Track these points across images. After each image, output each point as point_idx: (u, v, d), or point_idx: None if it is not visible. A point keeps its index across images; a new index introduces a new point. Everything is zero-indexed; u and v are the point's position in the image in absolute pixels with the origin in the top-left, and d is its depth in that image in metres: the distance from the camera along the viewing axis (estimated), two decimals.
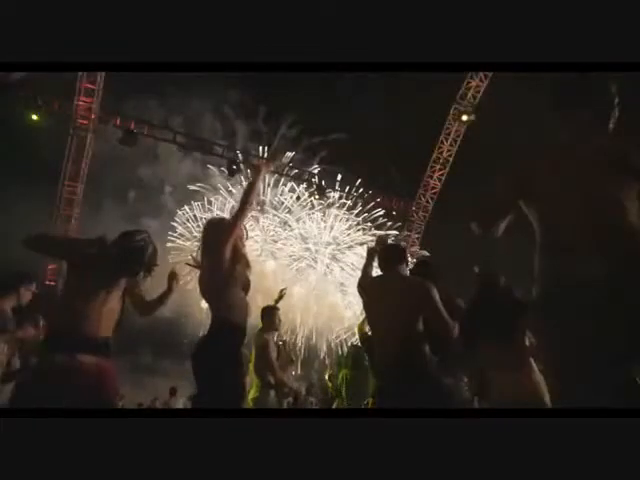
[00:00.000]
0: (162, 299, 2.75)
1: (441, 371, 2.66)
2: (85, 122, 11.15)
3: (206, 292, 2.63)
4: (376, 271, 3.13)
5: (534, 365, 2.40)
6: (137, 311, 2.63)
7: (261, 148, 13.54)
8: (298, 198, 14.67)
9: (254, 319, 3.70)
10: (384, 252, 3.05)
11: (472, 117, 12.75)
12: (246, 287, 2.70)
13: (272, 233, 14.66)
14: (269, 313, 4.49)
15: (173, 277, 2.86)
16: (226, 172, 12.26)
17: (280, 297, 4.77)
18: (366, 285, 3.01)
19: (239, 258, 2.68)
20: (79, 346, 2.18)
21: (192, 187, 13.93)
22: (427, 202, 14.19)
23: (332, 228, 15.09)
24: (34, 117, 10.47)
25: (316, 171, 13.88)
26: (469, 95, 12.74)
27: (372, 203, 14.53)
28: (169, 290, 2.80)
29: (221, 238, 2.59)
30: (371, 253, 3.20)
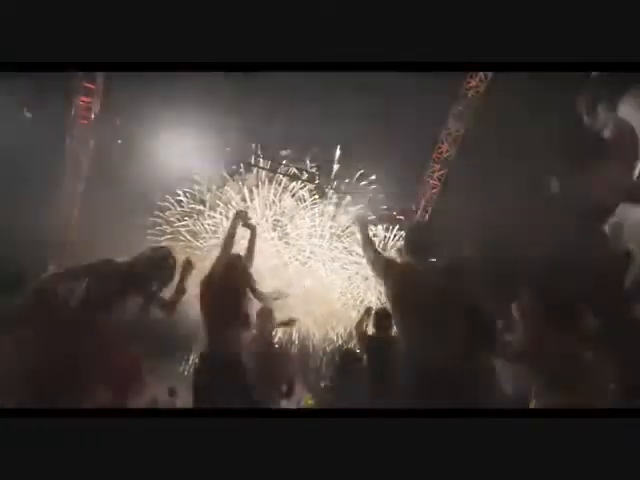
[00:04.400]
0: (179, 292, 2.83)
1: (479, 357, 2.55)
2: (85, 122, 11.14)
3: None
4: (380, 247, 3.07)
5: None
6: (163, 313, 2.72)
7: (254, 145, 13.52)
8: (293, 196, 14.60)
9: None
10: (413, 237, 2.86)
11: (472, 117, 12.75)
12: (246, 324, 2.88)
13: (267, 233, 14.59)
14: (263, 315, 4.49)
15: (188, 266, 2.93)
16: (225, 172, 12.29)
17: (287, 324, 4.71)
18: (392, 269, 2.71)
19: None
20: None
21: (188, 185, 13.88)
22: (427, 202, 14.18)
23: (327, 228, 14.99)
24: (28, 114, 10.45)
25: (313, 170, 13.83)
26: (469, 95, 12.73)
27: (366, 203, 14.47)
28: (182, 280, 2.86)
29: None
30: (362, 225, 2.91)
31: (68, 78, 10.76)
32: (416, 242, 2.73)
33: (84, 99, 10.95)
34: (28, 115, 10.35)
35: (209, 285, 2.91)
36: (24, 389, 2.34)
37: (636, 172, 1.70)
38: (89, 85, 10.88)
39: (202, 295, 2.92)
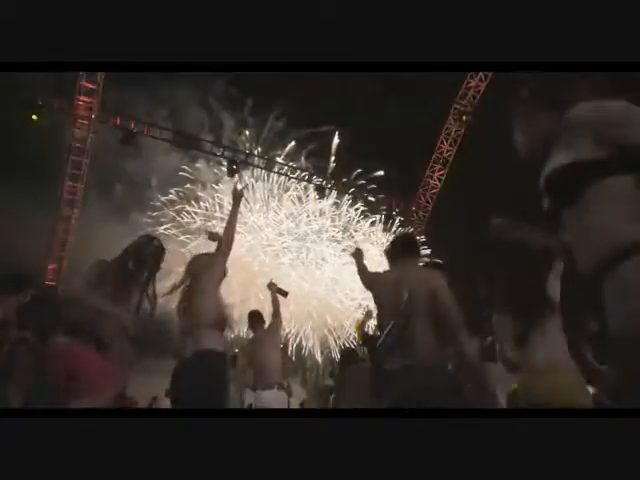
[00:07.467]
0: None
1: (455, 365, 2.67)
2: (85, 122, 11.15)
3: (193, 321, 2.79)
4: (373, 265, 3.16)
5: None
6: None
7: (248, 144, 13.52)
8: (290, 195, 14.54)
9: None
10: (393, 246, 2.99)
11: (472, 117, 12.77)
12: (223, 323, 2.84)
13: (263, 235, 14.53)
14: (255, 318, 4.54)
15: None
16: (225, 172, 12.31)
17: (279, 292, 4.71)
18: (376, 281, 2.94)
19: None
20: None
21: (187, 184, 13.85)
22: (427, 202, 14.20)
23: (324, 228, 14.90)
24: (34, 117, 10.47)
25: (311, 169, 13.82)
26: (469, 95, 12.75)
27: (363, 201, 14.44)
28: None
29: (211, 279, 2.75)
30: (357, 255, 3.22)
31: (68, 78, 10.77)
32: (394, 251, 2.93)
33: (84, 99, 10.96)
34: (34, 117, 10.34)
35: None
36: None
37: None
38: (89, 85, 10.88)
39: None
